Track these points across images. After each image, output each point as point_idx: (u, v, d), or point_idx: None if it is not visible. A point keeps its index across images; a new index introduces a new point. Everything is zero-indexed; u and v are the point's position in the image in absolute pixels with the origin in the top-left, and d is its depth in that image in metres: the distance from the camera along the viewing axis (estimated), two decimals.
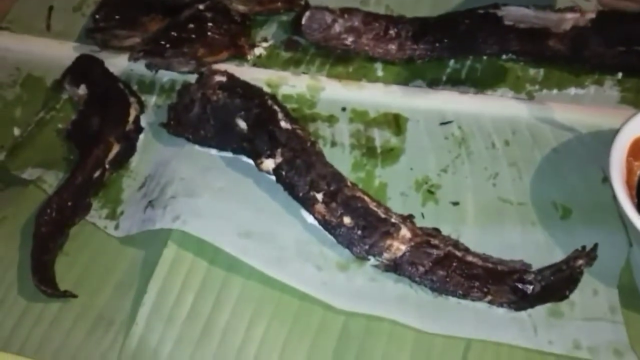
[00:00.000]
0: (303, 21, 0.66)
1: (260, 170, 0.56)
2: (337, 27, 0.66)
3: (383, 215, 0.53)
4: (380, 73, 0.65)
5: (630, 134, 0.51)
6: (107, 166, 0.60)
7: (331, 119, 0.63)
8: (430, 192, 0.57)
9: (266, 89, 0.62)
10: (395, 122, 0.62)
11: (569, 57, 0.62)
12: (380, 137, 0.61)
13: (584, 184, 0.55)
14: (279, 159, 0.56)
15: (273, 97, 0.60)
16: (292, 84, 0.65)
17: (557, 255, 0.52)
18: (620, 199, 0.49)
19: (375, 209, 0.53)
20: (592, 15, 0.62)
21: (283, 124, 0.57)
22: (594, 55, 0.62)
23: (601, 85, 0.62)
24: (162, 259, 0.54)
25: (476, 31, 0.64)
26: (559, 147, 0.58)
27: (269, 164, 0.56)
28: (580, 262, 0.49)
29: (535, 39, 0.63)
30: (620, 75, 0.62)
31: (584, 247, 0.51)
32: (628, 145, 0.51)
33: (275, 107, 0.58)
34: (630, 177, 0.51)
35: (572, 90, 0.62)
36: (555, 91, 0.62)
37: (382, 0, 0.70)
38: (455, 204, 0.56)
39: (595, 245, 0.50)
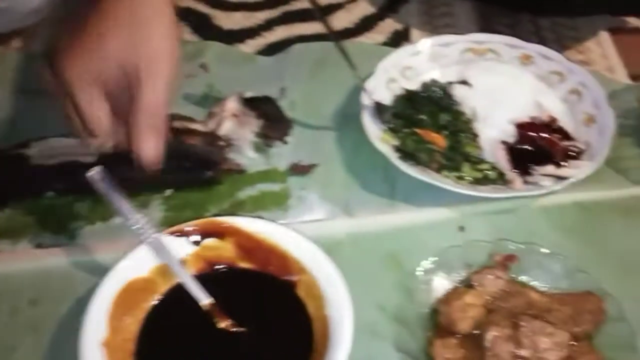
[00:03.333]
0: None
1: None
2: None
3: None
4: None
5: (112, 286, 0.48)
6: None
7: None
8: None
9: None
10: None
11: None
12: None
13: None
14: None
15: None
16: None
17: None
18: None
19: None
20: None
21: None
22: (124, 180, 0.59)
23: (147, 206, 0.60)
24: None
25: (4, 174, 0.59)
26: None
27: None
28: None
29: (72, 173, 0.59)
30: (168, 192, 0.61)
31: None
32: (111, 301, 0.47)
33: None
34: (116, 336, 0.46)
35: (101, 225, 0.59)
36: (98, 224, 0.59)
37: None
38: None
39: None
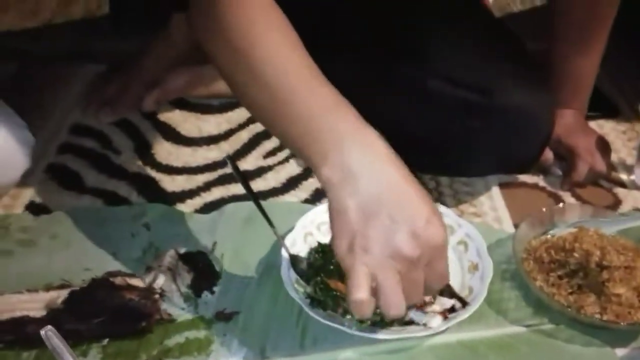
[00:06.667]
0: None
1: None
2: None
3: None
4: None
5: None
6: None
7: None
8: None
9: None
10: None
11: None
12: None
13: None
14: None
15: None
16: None
17: None
18: None
19: None
20: (65, 295, 0.70)
21: None
22: (70, 332, 0.68)
23: (87, 355, 0.68)
24: None
25: None
26: None
27: None
28: None
29: (22, 326, 0.67)
30: (105, 341, 0.69)
31: None
32: None
33: None
34: None
35: None
36: None
37: None
38: None
39: None
